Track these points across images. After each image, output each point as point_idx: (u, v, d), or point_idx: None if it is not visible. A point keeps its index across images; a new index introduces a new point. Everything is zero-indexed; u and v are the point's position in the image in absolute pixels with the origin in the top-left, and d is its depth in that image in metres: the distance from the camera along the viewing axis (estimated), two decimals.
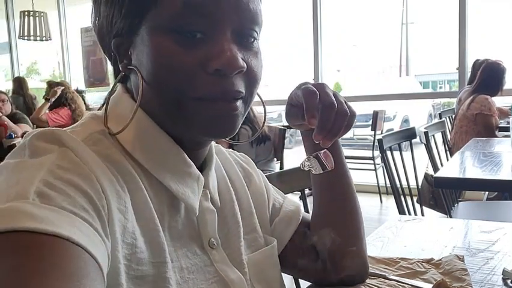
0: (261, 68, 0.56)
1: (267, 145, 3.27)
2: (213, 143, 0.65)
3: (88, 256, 0.40)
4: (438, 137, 2.92)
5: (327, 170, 0.68)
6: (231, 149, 0.76)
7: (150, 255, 0.50)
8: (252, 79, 0.55)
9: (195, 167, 0.58)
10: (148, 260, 0.50)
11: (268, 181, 0.78)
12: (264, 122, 0.73)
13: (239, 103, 0.54)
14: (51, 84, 4.77)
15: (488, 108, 3.37)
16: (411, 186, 2.19)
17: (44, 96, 4.83)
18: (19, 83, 5.57)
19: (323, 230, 0.74)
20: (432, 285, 0.75)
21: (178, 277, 0.53)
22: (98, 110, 0.60)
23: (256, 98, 0.61)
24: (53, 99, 4.62)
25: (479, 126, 3.38)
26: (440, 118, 3.68)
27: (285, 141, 3.45)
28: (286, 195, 0.82)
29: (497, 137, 3.28)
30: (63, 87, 4.66)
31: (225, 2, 0.50)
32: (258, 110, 3.48)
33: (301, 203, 1.32)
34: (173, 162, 0.56)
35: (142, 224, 0.51)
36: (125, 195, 0.50)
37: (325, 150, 0.67)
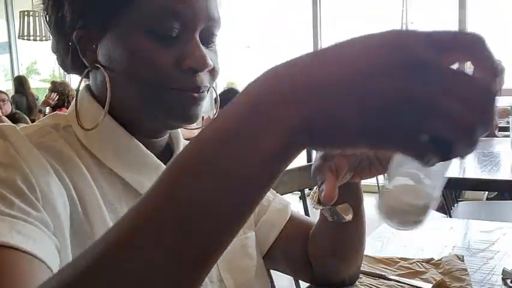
0: (219, 65, 0.63)
1: None
2: (182, 138, 0.70)
3: (30, 257, 0.43)
4: None
5: (344, 221, 0.64)
6: None
7: (96, 232, 0.54)
8: (215, 75, 0.62)
9: (153, 156, 0.61)
10: (94, 238, 0.53)
11: None
12: (216, 112, 0.74)
13: (205, 94, 0.61)
14: (56, 84, 4.75)
15: None
16: None
17: (45, 99, 4.82)
18: (20, 82, 5.54)
19: (321, 255, 0.74)
20: (432, 285, 0.75)
21: None
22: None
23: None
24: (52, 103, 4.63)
25: None
26: None
27: None
28: (286, 194, 0.82)
29: (496, 136, 3.28)
30: (57, 96, 4.66)
31: (196, 9, 0.56)
32: None
33: (301, 203, 1.32)
34: (128, 154, 0.60)
35: (86, 205, 0.54)
36: (65, 182, 0.53)
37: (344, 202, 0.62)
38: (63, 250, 0.50)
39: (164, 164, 0.63)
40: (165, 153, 0.66)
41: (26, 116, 4.89)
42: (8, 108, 4.67)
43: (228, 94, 3.46)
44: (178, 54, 0.56)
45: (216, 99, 0.73)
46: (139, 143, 0.60)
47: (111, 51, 0.57)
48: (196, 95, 0.58)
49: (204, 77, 0.58)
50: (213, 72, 0.61)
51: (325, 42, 5.20)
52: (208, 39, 0.60)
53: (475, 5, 4.81)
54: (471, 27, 4.40)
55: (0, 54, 7.53)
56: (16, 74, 7.00)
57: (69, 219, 0.52)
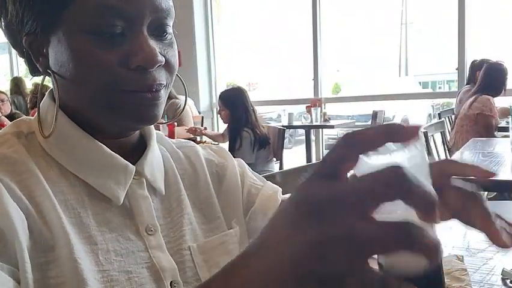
0: (177, 57, 0.60)
1: (267, 148, 3.28)
2: (155, 134, 0.67)
3: None
4: (438, 137, 2.93)
5: None
6: (207, 145, 0.77)
7: (56, 240, 0.53)
8: (171, 69, 0.58)
9: (119, 158, 0.59)
10: (56, 245, 0.52)
11: (249, 169, 0.77)
12: (185, 103, 0.73)
13: (162, 92, 0.57)
14: (38, 86, 4.73)
15: (489, 109, 3.38)
16: None
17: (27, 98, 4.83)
18: (16, 83, 5.61)
19: None
20: None
21: (100, 258, 0.55)
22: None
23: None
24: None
25: (479, 126, 3.39)
26: (440, 118, 3.68)
27: (285, 141, 3.45)
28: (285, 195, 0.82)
29: (496, 137, 3.28)
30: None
31: (139, 3, 0.53)
32: (259, 110, 3.48)
33: None
34: (90, 156, 0.58)
35: (44, 214, 0.53)
36: (17, 195, 0.52)
37: None
38: (20, 261, 0.49)
39: (135, 162, 0.61)
40: (137, 149, 0.64)
41: (25, 116, 4.90)
42: (8, 108, 4.67)
43: (234, 92, 3.39)
44: (124, 53, 0.53)
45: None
46: (101, 144, 0.59)
47: (58, 55, 0.55)
48: (149, 95, 0.55)
49: (156, 74, 0.56)
50: (169, 67, 0.58)
51: (325, 43, 5.20)
52: (160, 31, 0.57)
53: (475, 5, 4.81)
54: (470, 28, 4.40)
55: (0, 55, 7.53)
56: (15, 74, 7.00)
57: (27, 232, 0.51)
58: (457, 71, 4.42)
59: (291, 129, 6.39)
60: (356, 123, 6.56)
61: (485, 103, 3.40)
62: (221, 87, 5.32)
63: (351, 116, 7.77)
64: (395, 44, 16.89)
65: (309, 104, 4.78)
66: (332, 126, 4.74)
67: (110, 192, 0.58)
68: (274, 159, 3.38)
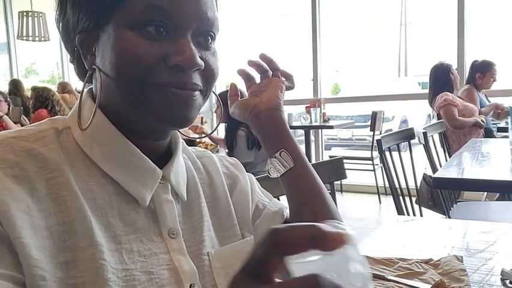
0: (218, 66, 0.62)
1: None
2: (181, 142, 0.68)
3: None
4: (437, 137, 2.93)
5: (288, 168, 0.72)
6: (222, 155, 0.80)
7: (77, 240, 0.53)
8: (209, 75, 0.60)
9: (148, 161, 0.61)
10: (75, 246, 0.53)
11: (258, 184, 0.80)
12: (220, 120, 0.73)
13: (196, 93, 0.59)
14: (38, 90, 4.70)
15: (444, 100, 3.53)
16: (410, 187, 2.19)
17: (29, 103, 4.80)
18: (14, 85, 5.63)
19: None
20: (431, 285, 0.75)
21: (125, 257, 0.56)
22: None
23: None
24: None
25: (445, 120, 3.48)
26: (439, 119, 3.68)
27: None
28: (283, 196, 0.82)
29: (494, 137, 3.28)
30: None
31: (187, 9, 0.56)
32: None
33: None
34: (122, 155, 0.60)
35: (70, 213, 0.54)
36: (38, 194, 0.52)
37: (282, 150, 0.73)
38: (25, 265, 0.49)
39: (161, 167, 0.62)
40: (164, 155, 0.65)
41: (24, 116, 4.90)
42: (5, 108, 4.67)
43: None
44: (166, 51, 0.55)
45: (217, 102, 0.72)
46: (133, 145, 0.60)
47: (105, 51, 0.57)
48: (182, 91, 0.57)
49: (193, 75, 0.57)
50: (207, 73, 0.59)
51: (324, 44, 5.20)
52: (203, 39, 0.59)
53: (474, 6, 4.82)
54: (469, 28, 4.40)
55: None
56: (15, 75, 7.01)
57: (46, 233, 0.51)
58: (456, 71, 4.42)
59: (291, 129, 6.39)
60: (356, 124, 6.57)
61: (441, 97, 3.55)
62: (220, 88, 5.33)
63: (350, 116, 7.79)
64: (395, 44, 16.92)
65: (308, 105, 4.78)
66: (331, 127, 4.74)
67: (137, 194, 0.60)
68: None
